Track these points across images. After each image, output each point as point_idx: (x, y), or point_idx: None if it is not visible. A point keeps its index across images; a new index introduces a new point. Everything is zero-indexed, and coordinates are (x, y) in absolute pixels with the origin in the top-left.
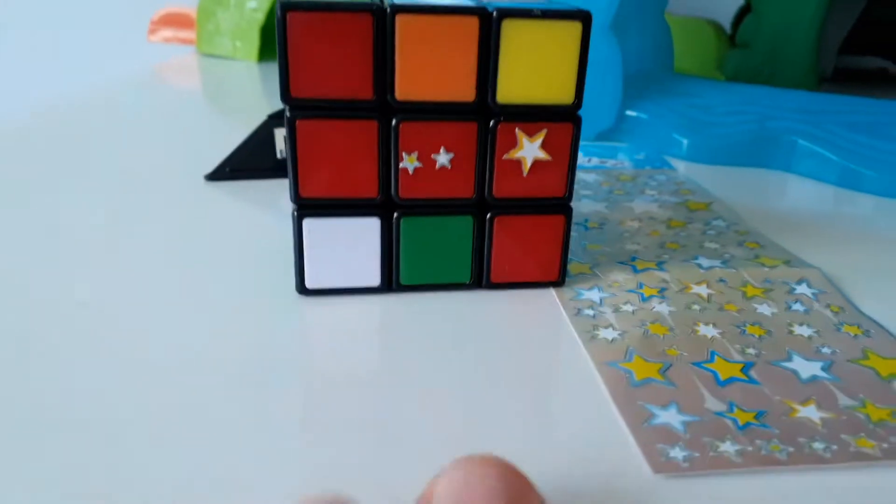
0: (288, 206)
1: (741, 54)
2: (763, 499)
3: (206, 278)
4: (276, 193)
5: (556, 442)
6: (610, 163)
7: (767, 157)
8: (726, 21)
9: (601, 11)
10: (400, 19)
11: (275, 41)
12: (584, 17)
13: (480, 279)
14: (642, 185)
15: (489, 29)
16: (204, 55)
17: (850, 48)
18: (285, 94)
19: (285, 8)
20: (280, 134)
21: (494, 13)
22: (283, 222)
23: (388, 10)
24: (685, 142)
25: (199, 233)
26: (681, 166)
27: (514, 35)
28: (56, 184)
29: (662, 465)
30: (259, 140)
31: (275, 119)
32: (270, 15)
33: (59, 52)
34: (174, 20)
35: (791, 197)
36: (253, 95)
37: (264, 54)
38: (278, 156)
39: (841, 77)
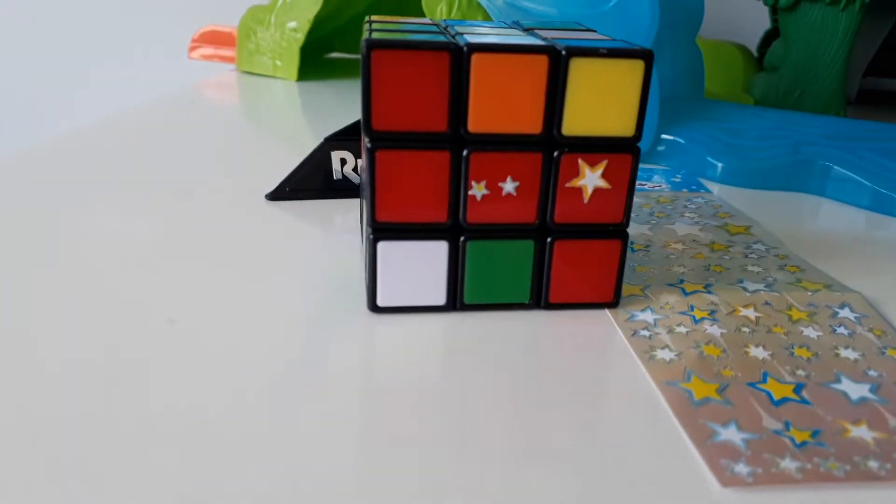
0: (344, 225)
1: (769, 78)
2: None
3: (283, 295)
4: (332, 212)
5: (622, 457)
6: (647, 185)
7: (801, 181)
8: (753, 45)
9: (640, 38)
10: (475, 57)
11: (312, 61)
12: (647, 56)
13: (539, 300)
14: (681, 207)
15: (558, 66)
16: (244, 73)
17: (875, 70)
18: (367, 126)
19: (370, 46)
20: (336, 156)
21: (563, 52)
22: (341, 240)
23: (465, 48)
24: (720, 165)
25: (269, 251)
26: (715, 189)
27: (580, 72)
28: (119, 203)
29: (729, 480)
30: (316, 161)
31: (331, 141)
32: (309, 35)
33: (101, 70)
34: (215, 38)
35: (825, 221)
36: (293, 115)
37: (303, 74)
38: (334, 177)
39: (865, 100)
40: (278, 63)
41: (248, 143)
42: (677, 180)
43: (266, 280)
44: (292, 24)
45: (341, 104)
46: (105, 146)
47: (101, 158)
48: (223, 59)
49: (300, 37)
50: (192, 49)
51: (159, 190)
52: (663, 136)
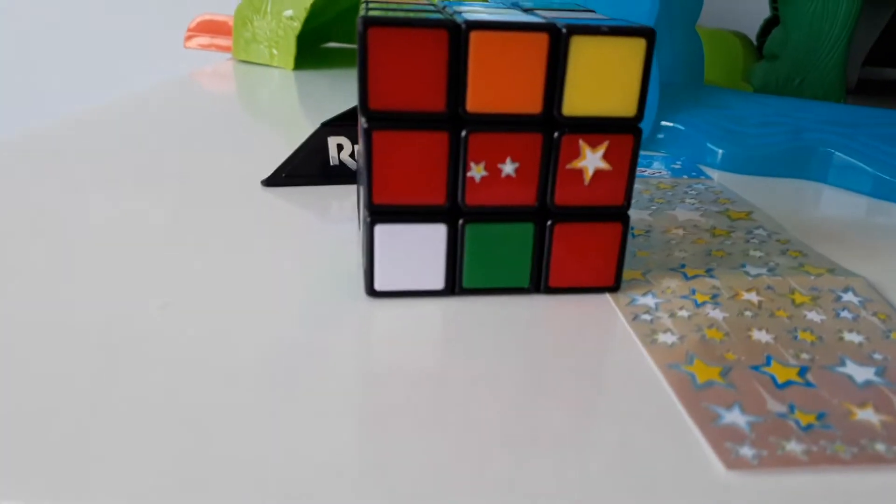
0: (341, 212)
1: (769, 66)
2: (830, 497)
3: (280, 281)
4: (329, 199)
5: (626, 442)
6: (647, 172)
7: (801, 167)
8: (752, 33)
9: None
10: (474, 35)
11: (309, 50)
12: (649, 34)
13: (539, 284)
14: (682, 193)
15: (558, 44)
16: (240, 62)
17: (873, 59)
18: (364, 106)
19: (367, 23)
20: (333, 142)
21: (564, 29)
22: (339, 227)
23: (463, 26)
24: (720, 152)
25: (265, 237)
26: (715, 176)
27: (581, 50)
28: (115, 189)
29: (734, 462)
30: (313, 147)
31: (328, 127)
32: (306, 24)
33: (97, 59)
34: (211, 27)
35: (827, 207)
36: (290, 103)
37: (299, 63)
38: (331, 163)
39: (864, 88)
40: (275, 52)
41: (244, 131)
42: (677, 167)
43: (262, 266)
44: (289, 13)
45: (338, 93)
46: (102, 134)
47: (98, 146)
48: (219, 48)
49: (297, 25)
50: (188, 38)
51: (155, 177)
52: (663, 122)
